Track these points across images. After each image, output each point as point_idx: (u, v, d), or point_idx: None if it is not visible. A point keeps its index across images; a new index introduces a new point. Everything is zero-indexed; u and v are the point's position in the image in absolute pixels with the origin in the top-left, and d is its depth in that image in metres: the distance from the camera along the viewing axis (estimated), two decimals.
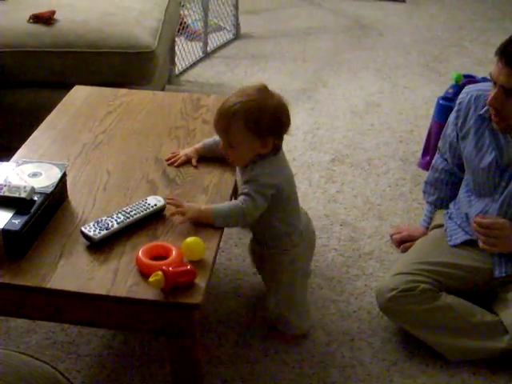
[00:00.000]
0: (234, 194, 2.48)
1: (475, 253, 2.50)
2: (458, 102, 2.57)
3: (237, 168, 2.29)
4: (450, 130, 2.64)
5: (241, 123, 2.11)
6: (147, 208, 2.08)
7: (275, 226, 2.29)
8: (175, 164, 2.37)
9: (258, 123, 2.11)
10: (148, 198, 2.12)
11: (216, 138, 2.36)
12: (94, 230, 1.98)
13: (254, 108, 2.11)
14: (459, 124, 2.54)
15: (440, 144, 2.80)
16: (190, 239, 1.98)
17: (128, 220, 2.03)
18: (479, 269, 2.49)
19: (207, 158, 2.40)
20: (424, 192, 2.92)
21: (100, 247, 1.98)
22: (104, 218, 2.02)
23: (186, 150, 2.42)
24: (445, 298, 2.45)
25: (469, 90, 2.55)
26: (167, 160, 2.39)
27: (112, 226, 2.01)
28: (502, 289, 2.48)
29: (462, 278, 2.49)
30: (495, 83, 2.24)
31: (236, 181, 2.32)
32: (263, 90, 2.17)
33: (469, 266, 2.49)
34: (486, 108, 2.41)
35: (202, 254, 1.97)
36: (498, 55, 2.22)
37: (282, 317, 2.48)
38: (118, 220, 2.02)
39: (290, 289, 2.41)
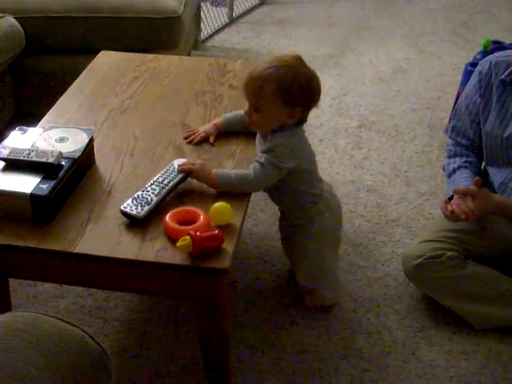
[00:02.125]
0: None
1: (503, 221, 2.47)
2: (477, 71, 2.51)
3: (258, 136, 2.26)
4: (471, 95, 2.55)
5: (273, 88, 2.08)
6: (176, 173, 2.06)
7: (300, 196, 2.28)
8: (193, 142, 2.31)
9: (289, 91, 2.09)
10: (174, 162, 2.10)
11: (237, 112, 2.35)
12: (136, 208, 1.95)
13: (288, 75, 2.09)
14: (482, 90, 2.49)
15: (454, 123, 2.66)
16: (217, 204, 1.96)
17: (164, 190, 1.99)
18: (506, 237, 2.47)
19: (228, 132, 2.36)
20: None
21: (144, 223, 1.95)
22: (140, 194, 1.98)
23: (205, 127, 2.35)
24: (471, 266, 2.43)
25: (487, 58, 2.50)
26: (185, 138, 2.33)
27: (151, 199, 1.97)
28: None
29: (489, 246, 2.47)
30: None
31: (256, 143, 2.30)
32: (298, 59, 2.15)
33: (496, 234, 2.47)
34: (507, 72, 2.36)
35: (230, 219, 1.97)
36: None
37: (310, 289, 2.48)
38: (155, 192, 1.98)
39: (319, 259, 2.40)
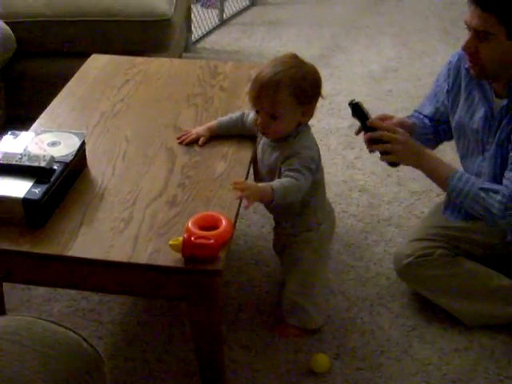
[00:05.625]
0: (254, 164, 2.49)
1: None
2: (448, 61, 2.49)
3: (262, 143, 2.25)
4: (440, 82, 2.54)
5: (287, 92, 2.06)
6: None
7: (308, 201, 2.23)
8: (184, 142, 2.31)
9: (303, 90, 2.08)
10: None
11: (232, 116, 2.34)
12: None
13: (297, 75, 2.08)
14: (451, 80, 2.46)
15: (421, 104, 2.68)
16: (320, 356, 2.31)
17: None
18: (494, 233, 2.47)
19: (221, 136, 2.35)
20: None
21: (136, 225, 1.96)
22: None
23: (198, 129, 2.34)
24: (462, 262, 2.45)
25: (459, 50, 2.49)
26: (178, 138, 2.33)
27: None
28: None
29: (479, 242, 2.47)
30: (469, 29, 2.21)
31: (257, 153, 2.29)
32: (296, 57, 2.15)
33: (484, 230, 2.47)
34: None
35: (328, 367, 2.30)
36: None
37: (297, 306, 2.38)
38: None
39: (311, 273, 2.34)
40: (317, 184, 2.24)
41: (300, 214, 2.28)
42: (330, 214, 2.38)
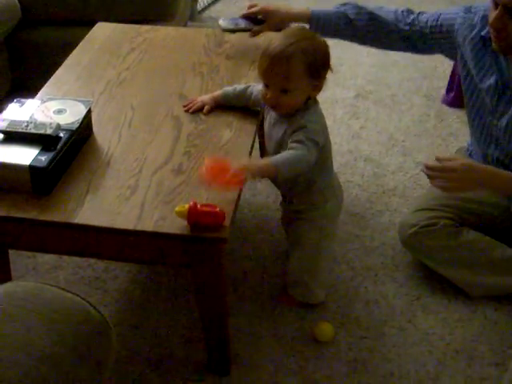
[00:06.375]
0: (260, 144, 2.48)
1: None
2: (466, 11, 2.45)
3: (268, 119, 2.23)
4: (451, 15, 2.50)
5: (299, 65, 2.02)
6: None
7: (313, 178, 2.21)
8: (190, 110, 2.30)
9: (315, 63, 2.04)
10: None
11: (237, 87, 2.32)
12: None
13: (309, 47, 2.03)
14: (459, 32, 2.43)
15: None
16: (323, 324, 2.33)
17: None
18: (499, 204, 2.47)
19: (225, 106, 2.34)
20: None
21: (143, 193, 1.97)
22: None
23: (204, 97, 2.33)
24: (466, 233, 2.45)
25: (477, 8, 2.42)
26: (184, 106, 2.32)
27: None
28: None
29: (483, 212, 2.49)
30: (496, 4, 2.17)
31: (264, 130, 2.28)
32: (305, 29, 2.12)
33: (489, 201, 2.48)
34: (487, 29, 2.30)
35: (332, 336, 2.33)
36: None
37: (300, 282, 2.39)
38: None
39: (315, 251, 2.33)
40: (323, 162, 2.20)
41: (306, 192, 2.26)
42: (336, 190, 2.34)
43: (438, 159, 2.25)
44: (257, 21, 2.62)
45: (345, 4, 2.63)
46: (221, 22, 2.65)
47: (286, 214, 2.41)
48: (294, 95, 2.07)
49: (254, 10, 2.62)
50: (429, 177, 2.24)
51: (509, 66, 2.29)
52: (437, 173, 2.22)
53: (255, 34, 2.60)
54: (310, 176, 2.19)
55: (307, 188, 2.24)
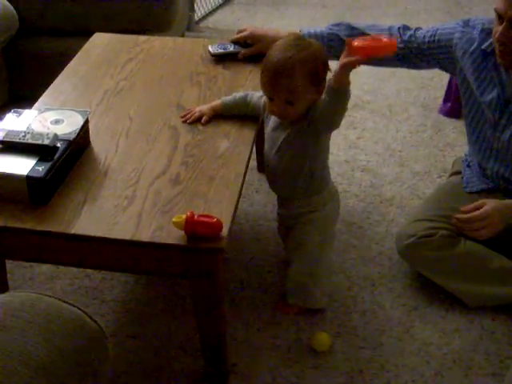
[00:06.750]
0: (258, 143, 2.48)
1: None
2: (465, 25, 2.45)
3: (270, 122, 2.24)
4: (448, 30, 2.51)
5: (301, 75, 2.04)
6: None
7: (314, 168, 2.22)
8: (188, 121, 2.30)
9: (316, 71, 2.07)
10: None
11: (236, 96, 2.33)
12: None
13: (309, 56, 2.05)
14: (458, 46, 2.44)
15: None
16: (320, 335, 2.33)
17: None
18: None
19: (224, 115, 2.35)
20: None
21: (140, 203, 1.97)
22: None
23: (202, 107, 2.33)
24: (463, 244, 2.45)
25: (475, 21, 2.44)
26: (182, 117, 2.33)
27: None
28: None
29: None
30: (501, 18, 2.18)
31: (265, 140, 2.29)
32: (301, 37, 2.14)
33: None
34: (488, 43, 2.33)
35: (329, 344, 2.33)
36: None
37: (302, 286, 2.39)
38: None
39: (316, 254, 2.33)
40: (323, 147, 2.23)
41: (305, 194, 2.27)
42: (334, 195, 2.37)
43: (463, 211, 2.33)
44: (246, 45, 2.65)
45: (338, 24, 2.65)
46: (209, 48, 2.67)
47: (285, 221, 2.41)
48: (299, 104, 2.09)
49: (242, 34, 2.65)
50: (461, 229, 2.35)
51: (510, 79, 2.30)
52: (468, 225, 2.32)
53: (244, 56, 2.62)
54: (312, 165, 2.21)
55: (307, 189, 2.26)
